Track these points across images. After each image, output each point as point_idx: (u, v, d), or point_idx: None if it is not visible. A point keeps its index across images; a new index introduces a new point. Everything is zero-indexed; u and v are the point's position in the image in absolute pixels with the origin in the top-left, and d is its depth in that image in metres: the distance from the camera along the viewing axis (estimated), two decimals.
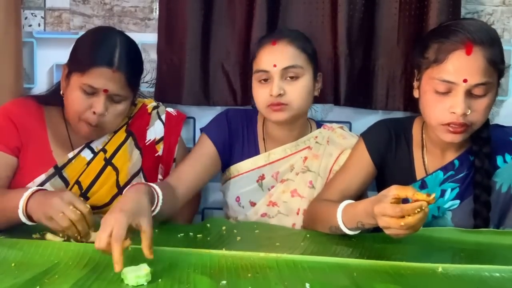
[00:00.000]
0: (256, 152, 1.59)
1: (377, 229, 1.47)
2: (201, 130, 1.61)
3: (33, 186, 1.42)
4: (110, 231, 1.02)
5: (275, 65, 1.44)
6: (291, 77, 1.46)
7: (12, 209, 1.24)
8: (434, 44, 1.28)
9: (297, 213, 1.53)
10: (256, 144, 1.60)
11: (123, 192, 1.21)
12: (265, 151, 1.58)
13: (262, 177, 1.57)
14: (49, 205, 1.19)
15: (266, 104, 1.47)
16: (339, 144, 1.56)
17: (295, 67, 1.45)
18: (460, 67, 1.23)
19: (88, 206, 1.21)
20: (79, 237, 1.19)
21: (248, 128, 1.61)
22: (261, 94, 1.48)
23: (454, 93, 1.24)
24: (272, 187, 1.56)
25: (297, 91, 1.46)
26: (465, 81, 1.22)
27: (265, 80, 1.47)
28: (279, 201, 1.55)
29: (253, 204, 1.57)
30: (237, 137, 1.59)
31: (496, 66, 1.25)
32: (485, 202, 1.32)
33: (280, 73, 1.45)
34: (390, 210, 1.07)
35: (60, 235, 1.21)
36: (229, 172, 1.60)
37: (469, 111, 1.24)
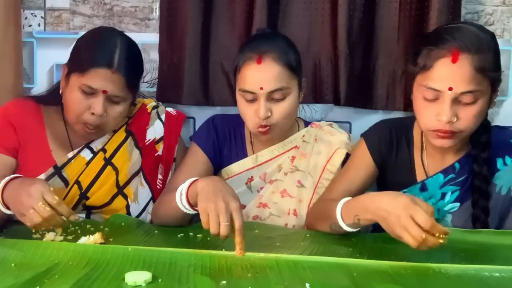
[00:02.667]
0: (244, 155, 1.59)
1: (377, 229, 1.48)
2: (191, 138, 1.63)
3: None
4: (226, 220, 1.10)
5: (261, 88, 1.41)
6: (278, 98, 1.44)
7: None
8: (424, 50, 1.27)
9: (288, 213, 1.52)
10: (244, 147, 1.61)
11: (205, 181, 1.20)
12: (253, 153, 1.58)
13: (250, 179, 1.57)
14: (20, 202, 1.18)
15: (254, 126, 1.46)
16: (328, 141, 1.56)
17: (282, 89, 1.43)
18: (445, 75, 1.22)
19: (57, 198, 1.19)
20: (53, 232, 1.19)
21: (235, 132, 1.62)
22: (248, 115, 1.46)
23: (441, 100, 1.24)
24: (261, 188, 1.56)
25: (284, 112, 1.45)
26: (450, 89, 1.21)
27: (251, 100, 1.45)
28: (270, 202, 1.55)
29: (242, 206, 1.56)
30: (225, 142, 1.60)
31: (485, 73, 1.22)
32: (483, 207, 1.32)
33: (266, 95, 1.42)
34: (424, 218, 1.05)
35: (38, 231, 1.20)
36: (220, 176, 1.60)
37: (455, 118, 1.23)
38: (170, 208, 1.32)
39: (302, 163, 1.54)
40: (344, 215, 1.23)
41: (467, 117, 1.24)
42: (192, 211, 1.27)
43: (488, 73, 1.23)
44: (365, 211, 1.18)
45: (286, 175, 1.55)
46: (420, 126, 1.32)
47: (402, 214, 1.07)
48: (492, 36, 1.28)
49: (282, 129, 1.49)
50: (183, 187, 1.25)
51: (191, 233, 1.31)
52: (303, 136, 1.58)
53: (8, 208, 1.24)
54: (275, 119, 1.44)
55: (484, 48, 1.23)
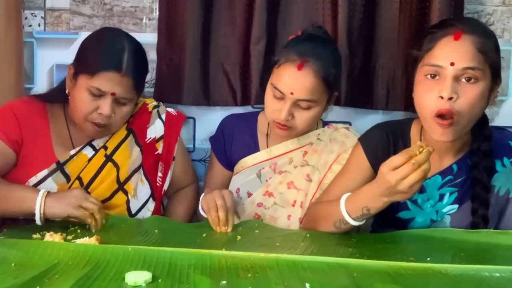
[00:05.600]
0: (256, 149, 1.64)
1: (378, 229, 1.48)
2: (209, 139, 1.76)
3: (35, 180, 1.46)
4: (221, 199, 1.37)
5: (292, 93, 1.44)
6: (303, 107, 1.47)
7: (23, 203, 1.33)
8: (428, 35, 1.30)
9: (293, 205, 1.55)
10: (256, 142, 1.65)
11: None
12: (267, 147, 1.63)
13: (261, 169, 1.62)
14: (74, 196, 1.33)
15: (272, 118, 1.50)
16: (342, 142, 1.58)
17: (310, 101, 1.46)
18: (447, 51, 1.24)
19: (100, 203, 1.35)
20: (99, 224, 1.31)
21: (246, 129, 1.67)
22: (271, 109, 1.50)
23: (442, 79, 1.24)
24: (270, 178, 1.60)
25: (305, 120, 1.49)
26: (452, 64, 1.23)
27: (279, 98, 1.47)
28: (276, 192, 1.57)
29: (250, 194, 1.61)
30: (233, 139, 1.67)
31: (486, 54, 1.24)
32: (482, 215, 1.31)
33: (294, 100, 1.45)
34: (397, 158, 1.13)
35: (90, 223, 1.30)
36: (235, 169, 1.67)
37: (456, 95, 1.22)
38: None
39: (313, 158, 1.58)
40: (350, 210, 1.26)
41: (467, 97, 1.23)
42: None
43: (489, 56, 1.25)
44: (372, 199, 1.22)
45: (295, 168, 1.58)
46: (421, 112, 1.30)
47: (387, 174, 1.14)
48: (491, 30, 1.33)
49: (298, 132, 1.55)
50: (200, 204, 1.48)
51: (191, 233, 1.31)
52: (319, 134, 1.61)
53: (43, 216, 1.32)
54: (295, 124, 1.49)
55: (486, 34, 1.27)
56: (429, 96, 1.25)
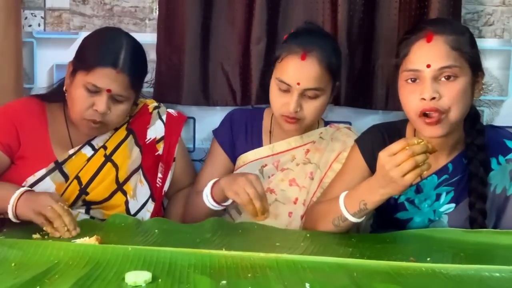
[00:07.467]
0: (259, 145, 1.65)
1: (377, 230, 1.48)
2: (213, 132, 1.72)
3: (33, 179, 1.46)
4: (252, 187, 1.34)
5: (298, 83, 1.45)
6: (310, 96, 1.48)
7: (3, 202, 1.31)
8: (403, 42, 1.33)
9: (294, 203, 1.56)
10: (260, 139, 1.66)
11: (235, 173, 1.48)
12: (270, 144, 1.64)
13: (264, 166, 1.62)
14: (38, 201, 1.28)
15: (280, 113, 1.51)
16: (343, 141, 1.59)
17: (318, 89, 1.47)
18: (422, 54, 1.28)
19: (68, 208, 1.30)
20: (66, 230, 1.25)
21: (252, 125, 1.68)
22: (278, 104, 1.51)
23: (422, 81, 1.27)
24: (272, 175, 1.61)
25: (313, 110, 1.50)
26: (428, 66, 1.26)
27: (285, 91, 1.48)
28: (277, 189, 1.58)
29: None
30: (240, 133, 1.67)
31: (461, 51, 1.27)
32: (480, 209, 1.32)
33: (301, 91, 1.46)
34: (395, 144, 1.17)
35: (48, 231, 1.26)
36: (236, 163, 1.67)
37: (438, 94, 1.25)
38: (200, 209, 1.49)
39: (316, 156, 1.59)
40: (348, 205, 1.28)
41: (449, 94, 1.26)
42: (220, 207, 1.48)
43: (464, 51, 1.27)
44: (370, 193, 1.24)
45: (297, 166, 1.59)
46: (408, 115, 1.33)
47: (384, 159, 1.18)
48: (465, 27, 1.37)
49: (306, 124, 1.55)
50: (207, 192, 1.46)
51: (191, 233, 1.31)
52: (321, 133, 1.63)
53: (16, 215, 1.30)
54: (303, 115, 1.50)
55: (458, 31, 1.30)
56: (412, 99, 1.29)
